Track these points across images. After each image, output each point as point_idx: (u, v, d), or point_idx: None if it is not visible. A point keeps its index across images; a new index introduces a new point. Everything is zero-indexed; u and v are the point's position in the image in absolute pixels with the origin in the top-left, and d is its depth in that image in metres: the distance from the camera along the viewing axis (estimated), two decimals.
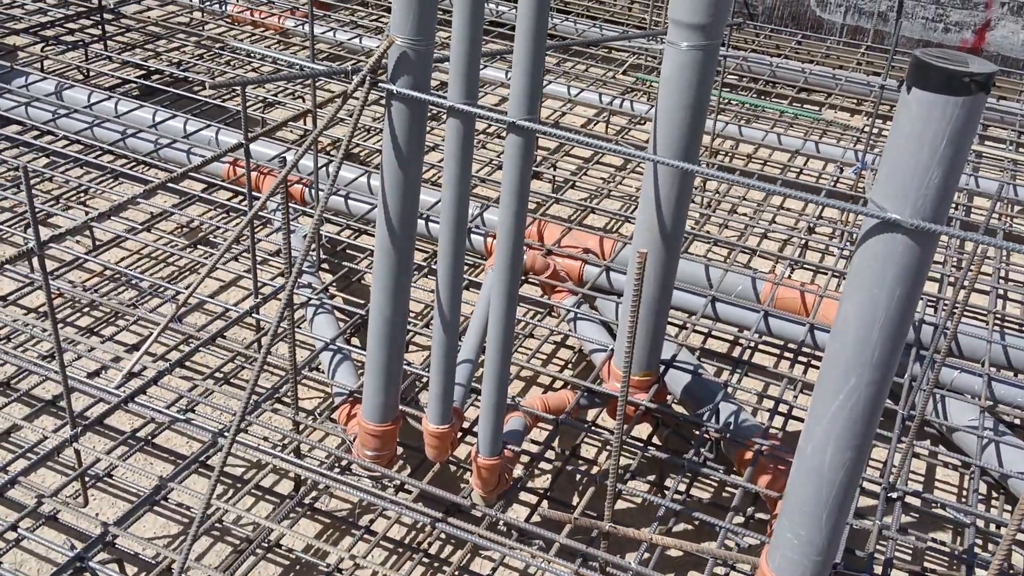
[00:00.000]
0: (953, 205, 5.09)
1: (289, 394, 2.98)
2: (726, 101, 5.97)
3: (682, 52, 2.62)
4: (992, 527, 2.95)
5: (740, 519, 2.92)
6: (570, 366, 3.81)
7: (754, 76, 6.39)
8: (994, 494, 3.31)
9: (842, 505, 2.20)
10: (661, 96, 2.69)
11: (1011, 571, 2.96)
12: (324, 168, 4.22)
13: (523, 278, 4.00)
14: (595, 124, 5.72)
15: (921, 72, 1.81)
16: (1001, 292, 4.45)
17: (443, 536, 2.90)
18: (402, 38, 2.16)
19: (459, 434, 2.90)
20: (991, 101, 6.10)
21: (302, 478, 2.90)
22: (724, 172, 2.26)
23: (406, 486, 2.86)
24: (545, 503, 3.05)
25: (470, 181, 2.32)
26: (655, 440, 3.24)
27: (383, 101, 2.26)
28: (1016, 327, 4.19)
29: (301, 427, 2.99)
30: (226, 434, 2.63)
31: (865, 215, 1.95)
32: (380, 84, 2.21)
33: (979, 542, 3.03)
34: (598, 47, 6.67)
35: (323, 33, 6.26)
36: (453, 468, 3.20)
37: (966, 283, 2.73)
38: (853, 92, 6.21)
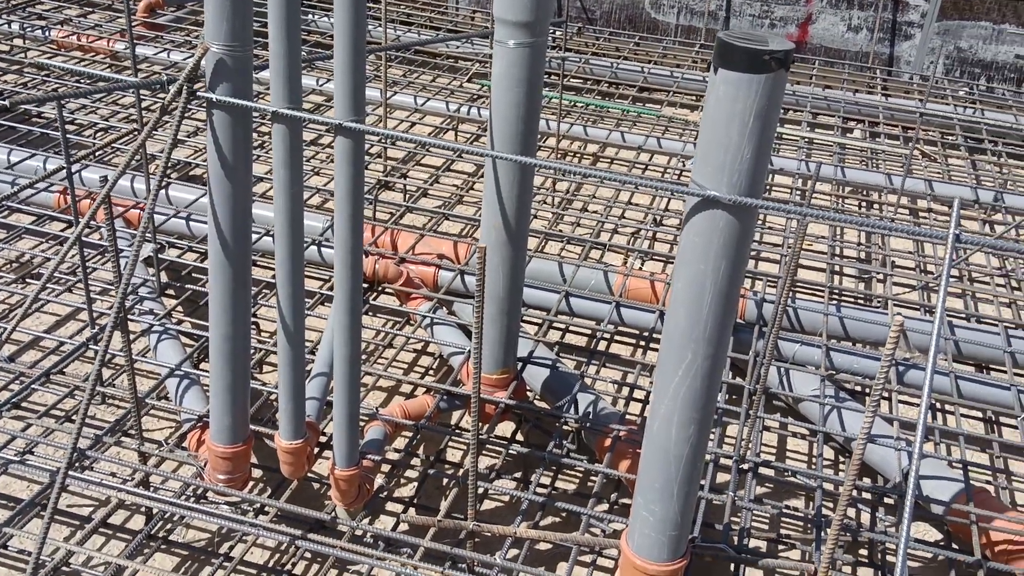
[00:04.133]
0: (788, 188, 5.35)
1: (133, 425, 2.85)
2: (571, 103, 6.10)
3: (510, 50, 2.65)
4: (837, 488, 3.09)
5: (604, 506, 2.96)
6: (431, 372, 3.79)
7: (596, 78, 6.55)
8: (841, 458, 3.48)
9: (691, 479, 2.27)
10: (494, 95, 2.72)
11: (859, 528, 3.11)
12: (163, 189, 4.07)
13: (378, 288, 3.96)
14: (444, 133, 5.74)
15: (726, 53, 1.89)
16: (837, 268, 4.69)
17: (308, 555, 2.84)
18: (217, 45, 2.10)
19: (316, 449, 2.84)
20: (817, 90, 6.45)
21: (154, 511, 2.78)
22: (570, 167, 2.30)
23: (266, 508, 2.78)
24: (412, 510, 3.02)
25: (302, 188, 2.28)
26: (519, 436, 3.26)
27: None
28: (851, 299, 4.42)
29: (148, 458, 2.86)
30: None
31: (687, 194, 2.02)
32: (199, 94, 2.14)
33: (828, 504, 3.17)
34: (444, 57, 6.70)
35: (156, 54, 6.05)
36: (316, 485, 3.13)
37: (799, 258, 2.86)
38: (690, 89, 6.44)
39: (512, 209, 2.84)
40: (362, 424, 3.03)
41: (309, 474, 3.02)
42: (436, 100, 5.78)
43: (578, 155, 5.63)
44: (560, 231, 4.77)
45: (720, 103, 1.91)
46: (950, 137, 6.12)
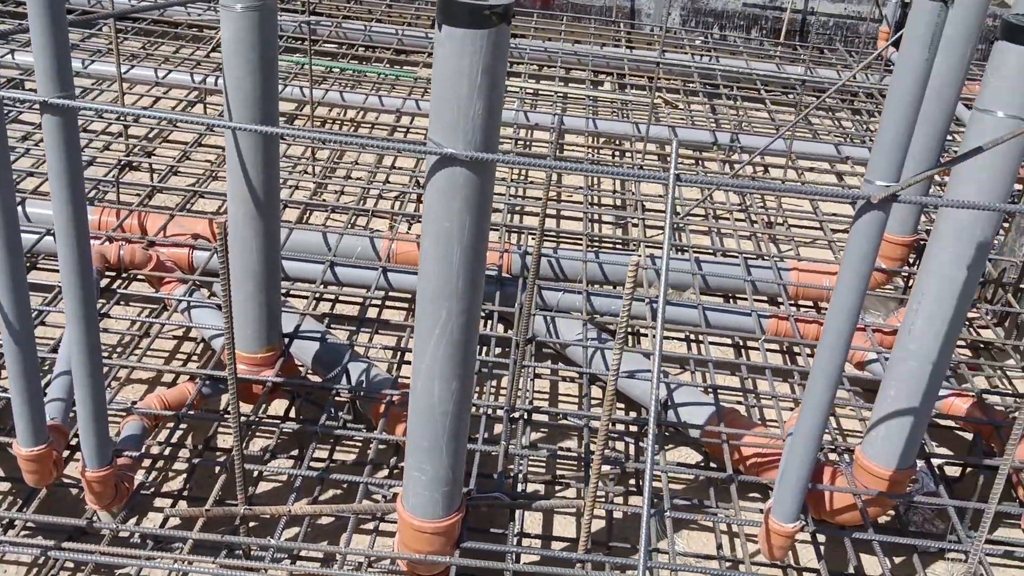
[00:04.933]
0: (548, 141, 5.50)
1: None
2: (326, 69, 5.96)
3: (238, 15, 2.54)
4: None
5: (383, 472, 2.96)
6: (195, 357, 3.63)
7: (350, 42, 6.43)
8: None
9: (458, 434, 2.30)
10: (226, 63, 2.60)
11: (626, 459, 3.29)
12: None
13: (127, 275, 3.73)
14: (193, 106, 5.45)
15: (448, 9, 1.89)
16: (594, 216, 4.89)
17: (69, 564, 2.65)
18: None
19: (65, 452, 2.65)
20: (567, 45, 6.65)
21: None
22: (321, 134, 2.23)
23: (15, 521, 2.57)
24: (183, 503, 2.89)
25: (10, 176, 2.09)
26: (292, 414, 3.18)
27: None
28: (609, 244, 4.63)
29: None
30: None
31: (426, 153, 2.02)
32: None
33: (596, 441, 3.32)
34: (186, 27, 6.34)
35: (3, 56, 5.44)
36: (75, 490, 2.92)
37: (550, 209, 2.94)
38: None
39: (258, 180, 2.74)
40: (118, 420, 2.86)
41: (65, 479, 2.82)
42: (179, 72, 5.47)
43: (337, 121, 5.52)
44: (324, 200, 4.67)
45: (447, 60, 1.91)
46: (690, 84, 6.50)
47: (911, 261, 4.25)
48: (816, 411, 2.32)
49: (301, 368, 3.32)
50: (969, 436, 3.43)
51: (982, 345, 4.08)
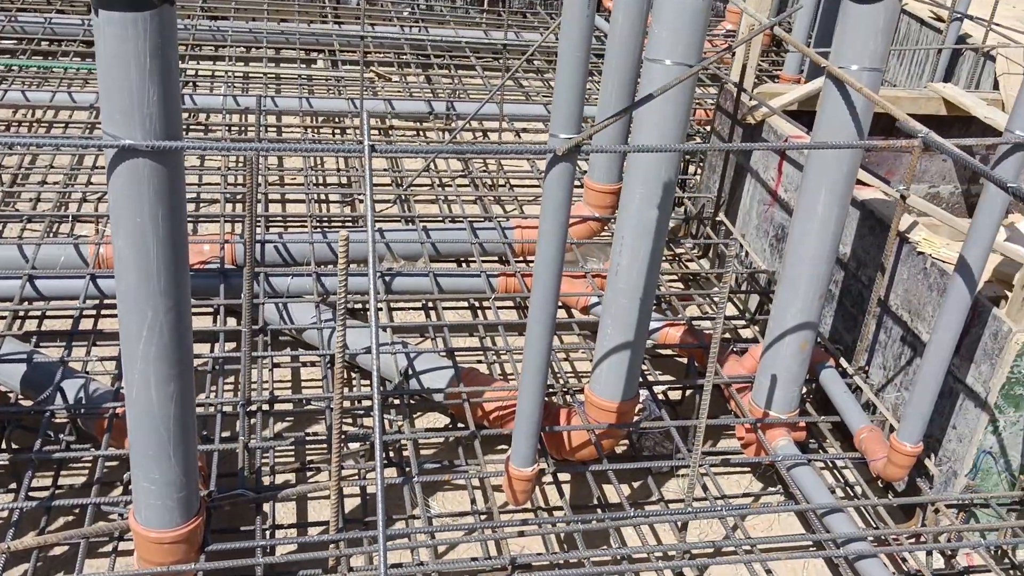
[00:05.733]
0: (264, 126, 5.33)
1: None
2: (6, 68, 5.44)
3: None
4: (349, 404, 3.25)
5: (118, 490, 2.79)
6: None
7: (30, 36, 5.88)
8: (352, 374, 3.62)
9: (185, 437, 2.20)
10: None
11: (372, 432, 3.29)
12: None
13: None
14: None
15: None
16: (320, 196, 4.82)
17: None
18: None
19: None
20: (272, 24, 6.46)
21: None
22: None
23: None
24: None
25: None
26: (3, 444, 2.91)
27: None
28: (339, 223, 4.59)
29: None
30: None
31: (101, 147, 1.89)
32: None
33: (347, 421, 3.31)
34: None
35: None
36: None
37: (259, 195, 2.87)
38: None
39: None
40: None
41: None
42: None
43: (24, 123, 5.06)
44: (17, 210, 4.28)
45: (110, 45, 1.79)
46: (403, 57, 6.53)
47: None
48: (537, 357, 2.44)
49: (10, 394, 3.05)
50: (685, 362, 3.73)
51: (691, 277, 4.44)
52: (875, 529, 3.01)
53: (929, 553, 2.88)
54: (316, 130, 5.51)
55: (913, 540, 2.95)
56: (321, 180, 5.02)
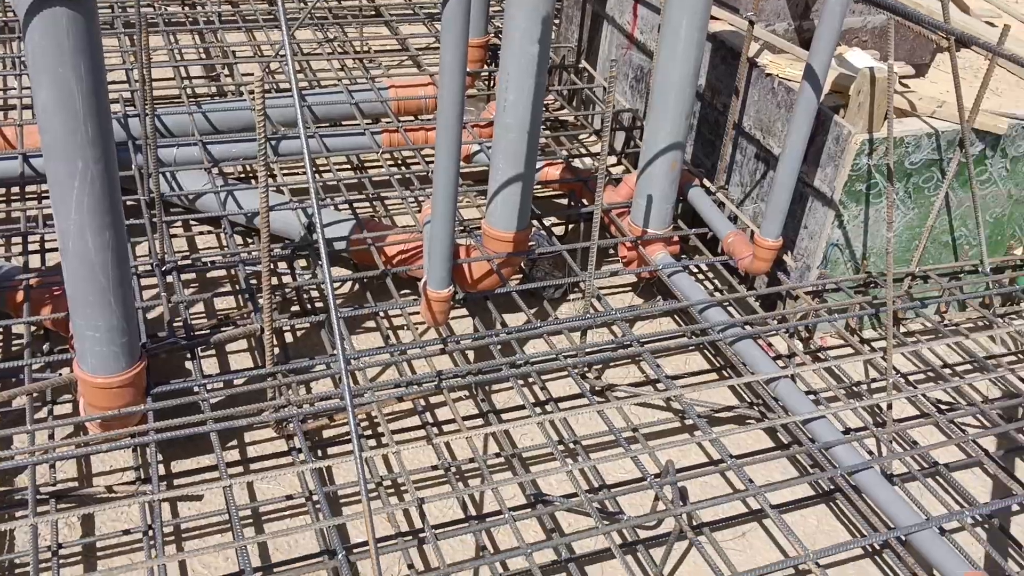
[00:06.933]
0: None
1: None
2: None
3: None
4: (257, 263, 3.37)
5: (41, 360, 2.85)
6: None
7: None
8: (248, 239, 3.71)
9: (123, 282, 2.31)
10: None
11: (283, 286, 3.44)
12: None
13: None
14: None
15: None
16: (183, 72, 4.74)
17: None
18: None
19: None
20: None
21: None
22: None
23: None
24: None
25: None
26: None
27: None
28: (208, 96, 4.56)
29: None
30: None
31: None
32: None
33: (254, 280, 3.43)
34: None
35: None
36: None
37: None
38: None
39: None
40: None
41: None
42: None
43: None
44: None
45: None
46: None
47: (488, 61, 4.70)
48: (448, 184, 2.64)
49: None
50: (566, 200, 4.01)
51: (560, 124, 4.69)
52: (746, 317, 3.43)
53: (792, 335, 3.32)
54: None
55: (779, 321, 3.38)
56: (179, 55, 4.92)
